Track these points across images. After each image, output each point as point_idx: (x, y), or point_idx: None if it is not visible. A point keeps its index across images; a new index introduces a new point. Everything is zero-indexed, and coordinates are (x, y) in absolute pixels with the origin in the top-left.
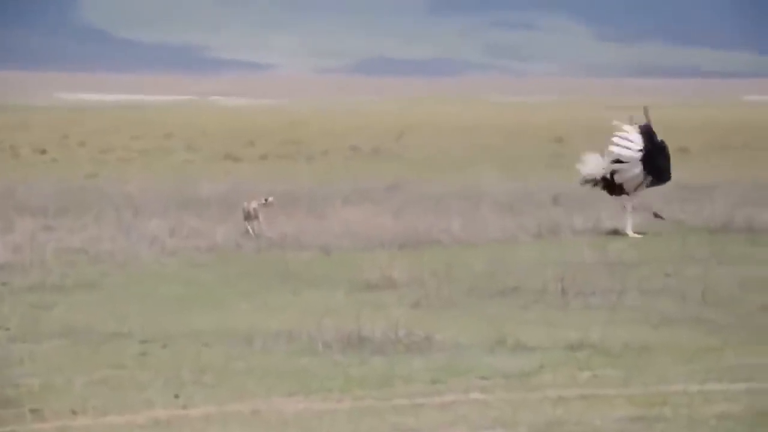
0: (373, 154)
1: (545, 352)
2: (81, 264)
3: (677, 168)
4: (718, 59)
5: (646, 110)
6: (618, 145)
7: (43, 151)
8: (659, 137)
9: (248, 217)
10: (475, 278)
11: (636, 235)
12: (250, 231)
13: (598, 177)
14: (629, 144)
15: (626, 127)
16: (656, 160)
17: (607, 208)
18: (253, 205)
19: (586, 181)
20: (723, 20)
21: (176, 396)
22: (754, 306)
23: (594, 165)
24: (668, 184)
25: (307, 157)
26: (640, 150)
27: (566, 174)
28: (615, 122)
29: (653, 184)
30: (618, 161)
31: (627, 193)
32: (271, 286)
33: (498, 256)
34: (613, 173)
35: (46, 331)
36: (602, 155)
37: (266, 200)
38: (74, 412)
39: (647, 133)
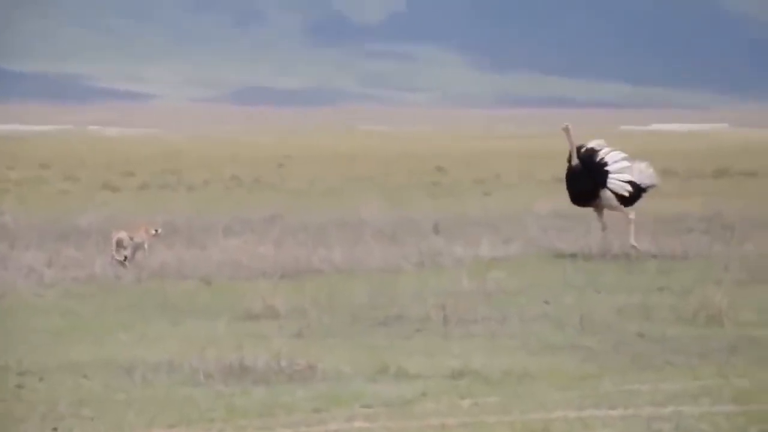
0: (253, 183)
1: (427, 380)
2: None
3: (555, 198)
4: (593, 89)
5: (567, 130)
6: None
7: None
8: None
9: (118, 246)
10: (357, 307)
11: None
12: (120, 260)
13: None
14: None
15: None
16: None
17: (487, 236)
18: (121, 234)
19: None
20: (597, 51)
21: (54, 429)
22: (630, 333)
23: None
24: (545, 212)
25: (188, 187)
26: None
27: (446, 203)
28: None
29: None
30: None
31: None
32: (152, 316)
33: (380, 285)
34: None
35: None
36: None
37: (156, 231)
38: None
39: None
